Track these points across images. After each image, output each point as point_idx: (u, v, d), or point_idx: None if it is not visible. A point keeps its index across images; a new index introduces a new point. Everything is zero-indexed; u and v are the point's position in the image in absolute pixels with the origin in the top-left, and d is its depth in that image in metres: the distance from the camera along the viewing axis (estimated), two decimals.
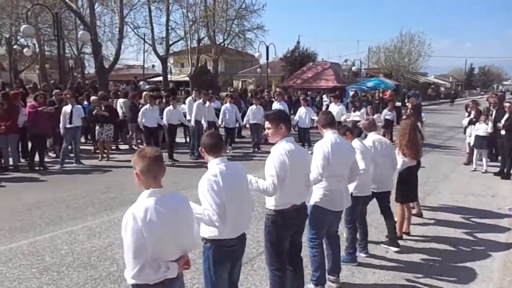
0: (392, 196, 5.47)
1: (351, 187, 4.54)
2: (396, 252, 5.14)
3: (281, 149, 3.46)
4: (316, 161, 3.89)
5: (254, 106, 12.87)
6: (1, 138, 9.19)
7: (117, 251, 5.08)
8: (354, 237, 4.77)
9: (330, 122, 4.19)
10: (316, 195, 4.04)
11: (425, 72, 56.78)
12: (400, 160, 5.47)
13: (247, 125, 13.15)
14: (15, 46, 27.36)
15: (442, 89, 56.43)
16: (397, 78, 44.43)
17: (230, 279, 3.17)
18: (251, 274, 4.49)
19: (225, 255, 3.03)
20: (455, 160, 11.60)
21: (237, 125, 13.43)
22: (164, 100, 12.63)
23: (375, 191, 5.09)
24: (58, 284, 4.27)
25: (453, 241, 5.62)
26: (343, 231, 4.70)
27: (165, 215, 2.33)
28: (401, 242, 5.33)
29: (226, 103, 12.83)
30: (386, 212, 5.28)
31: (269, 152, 3.54)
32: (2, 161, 9.53)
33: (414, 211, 6.30)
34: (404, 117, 7.14)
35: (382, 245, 5.29)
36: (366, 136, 5.39)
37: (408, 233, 5.71)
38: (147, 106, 10.94)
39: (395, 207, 5.61)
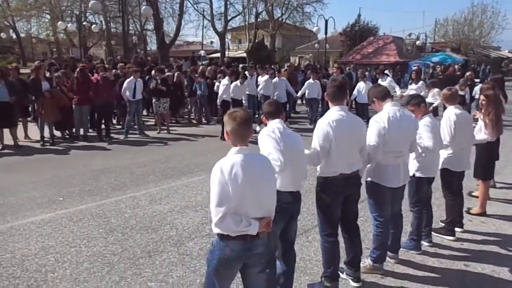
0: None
1: (414, 167, 4.25)
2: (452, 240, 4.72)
3: (326, 119, 3.38)
4: (370, 138, 3.63)
5: (311, 80, 12.60)
6: (76, 110, 9.87)
7: (176, 216, 5.30)
8: (420, 222, 4.35)
9: (385, 94, 3.84)
10: (370, 170, 3.81)
11: (498, 46, 52.35)
12: (481, 136, 5.12)
13: (303, 101, 12.91)
14: (84, 23, 28.87)
15: None
16: (466, 52, 41.39)
17: (287, 238, 3.19)
18: (305, 246, 4.48)
19: (281, 211, 2.95)
20: None
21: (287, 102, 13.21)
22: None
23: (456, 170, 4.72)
24: (123, 244, 4.53)
25: None
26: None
27: (250, 171, 2.42)
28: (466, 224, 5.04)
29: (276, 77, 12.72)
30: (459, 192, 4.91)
31: None
32: (73, 130, 10.23)
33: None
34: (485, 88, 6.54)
35: (434, 233, 4.72)
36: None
37: (484, 213, 5.46)
38: (226, 81, 10.86)
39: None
